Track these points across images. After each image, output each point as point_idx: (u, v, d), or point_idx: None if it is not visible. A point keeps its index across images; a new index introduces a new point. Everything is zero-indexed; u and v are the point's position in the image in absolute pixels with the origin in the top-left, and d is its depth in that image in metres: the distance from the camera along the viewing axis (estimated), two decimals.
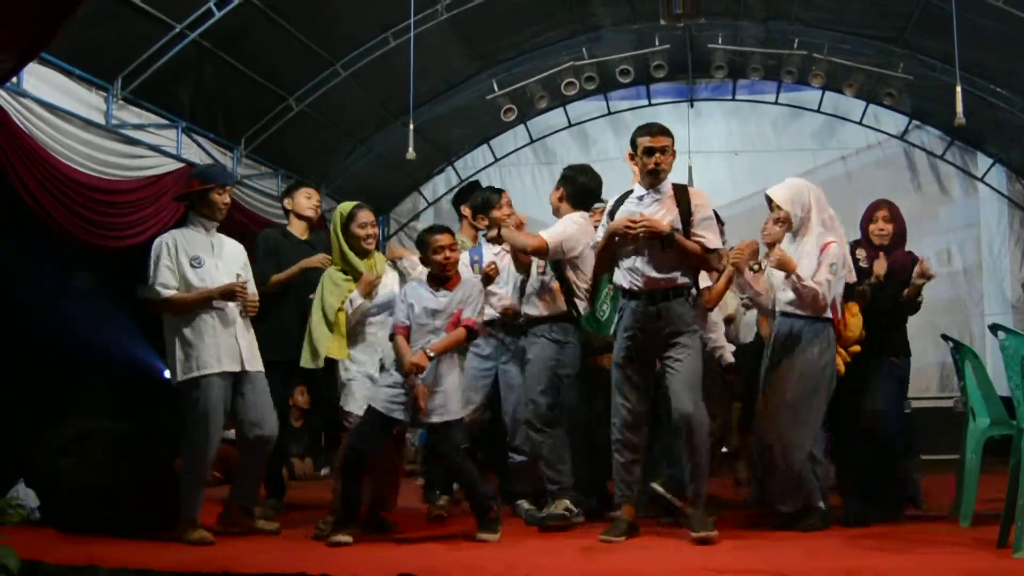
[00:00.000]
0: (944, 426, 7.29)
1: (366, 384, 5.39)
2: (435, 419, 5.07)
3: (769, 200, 5.42)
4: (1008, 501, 4.63)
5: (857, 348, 5.55)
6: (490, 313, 5.81)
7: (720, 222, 5.52)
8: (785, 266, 5.20)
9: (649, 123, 5.23)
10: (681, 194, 5.09)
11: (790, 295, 5.32)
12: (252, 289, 5.29)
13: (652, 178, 5.08)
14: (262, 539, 5.13)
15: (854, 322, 5.57)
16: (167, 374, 5.27)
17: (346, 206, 5.62)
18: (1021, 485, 4.44)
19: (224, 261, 5.23)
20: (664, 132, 5.11)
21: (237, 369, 5.10)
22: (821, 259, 5.22)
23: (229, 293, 5.05)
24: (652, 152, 5.04)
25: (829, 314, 5.27)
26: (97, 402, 7.52)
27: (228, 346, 5.09)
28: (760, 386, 5.50)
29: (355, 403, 5.35)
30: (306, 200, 6.37)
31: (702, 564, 4.24)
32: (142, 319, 7.43)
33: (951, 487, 5.70)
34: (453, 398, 5.14)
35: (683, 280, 5.02)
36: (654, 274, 4.98)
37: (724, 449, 7.34)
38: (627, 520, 5.02)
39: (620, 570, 4.22)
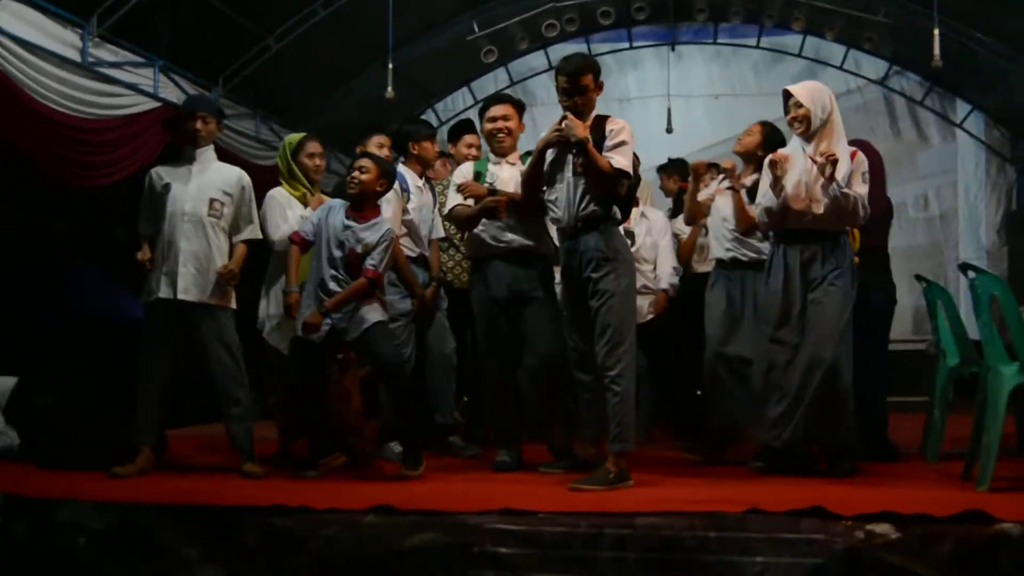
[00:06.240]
0: (917, 368, 7.39)
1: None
2: (353, 334, 4.97)
3: (786, 97, 4.99)
4: (973, 437, 4.74)
5: (856, 260, 5.22)
6: None
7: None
8: (829, 169, 4.75)
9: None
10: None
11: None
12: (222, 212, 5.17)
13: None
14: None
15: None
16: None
17: (294, 137, 5.70)
18: (987, 422, 4.53)
19: (198, 187, 5.13)
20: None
21: (170, 296, 5.01)
22: (853, 167, 4.84)
23: None
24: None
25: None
26: (69, 341, 7.51)
27: (169, 273, 5.03)
28: (776, 316, 5.00)
29: (280, 338, 5.37)
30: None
31: (675, 495, 4.31)
32: (114, 259, 7.40)
33: (921, 427, 5.77)
34: (370, 310, 4.98)
35: (594, 208, 4.74)
36: (569, 206, 4.79)
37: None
38: (579, 457, 5.16)
39: (598, 499, 4.28)
